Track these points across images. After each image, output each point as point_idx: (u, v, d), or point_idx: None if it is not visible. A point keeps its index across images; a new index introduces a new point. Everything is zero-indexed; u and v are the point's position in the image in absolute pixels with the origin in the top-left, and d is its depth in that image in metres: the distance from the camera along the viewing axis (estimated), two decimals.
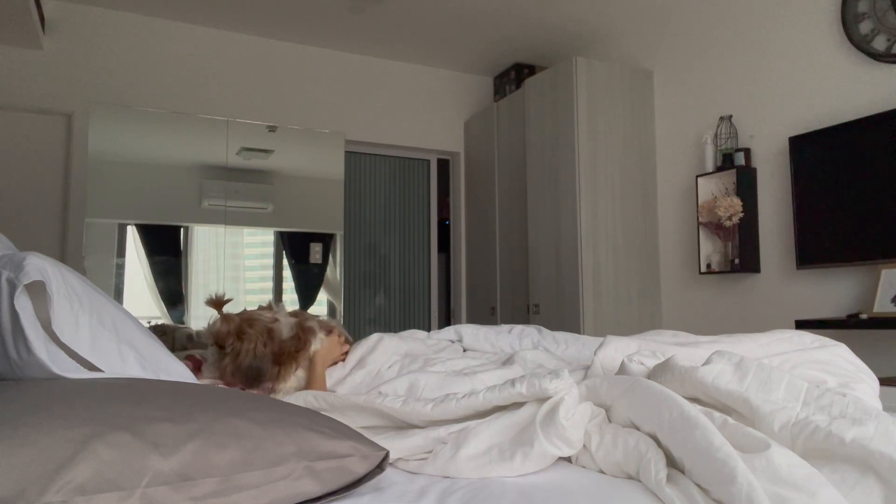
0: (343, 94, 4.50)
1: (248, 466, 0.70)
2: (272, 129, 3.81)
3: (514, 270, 4.20)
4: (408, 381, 1.31)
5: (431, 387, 1.29)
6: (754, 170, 3.20)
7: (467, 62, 4.75)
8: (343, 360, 1.56)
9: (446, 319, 5.05)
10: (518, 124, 4.17)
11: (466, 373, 1.37)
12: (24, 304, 0.91)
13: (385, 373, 1.46)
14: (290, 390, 1.42)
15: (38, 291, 0.92)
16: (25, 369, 0.92)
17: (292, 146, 3.85)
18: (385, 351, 1.53)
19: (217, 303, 1.47)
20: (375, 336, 1.58)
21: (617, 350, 1.31)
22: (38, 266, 0.94)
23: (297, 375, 1.44)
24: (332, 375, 1.50)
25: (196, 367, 1.46)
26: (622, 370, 1.16)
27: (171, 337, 1.90)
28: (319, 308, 3.90)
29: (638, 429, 0.91)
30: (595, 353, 1.34)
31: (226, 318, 1.44)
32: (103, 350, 1.01)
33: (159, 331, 1.86)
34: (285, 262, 3.82)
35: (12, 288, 0.91)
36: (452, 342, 1.73)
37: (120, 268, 3.35)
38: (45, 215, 3.71)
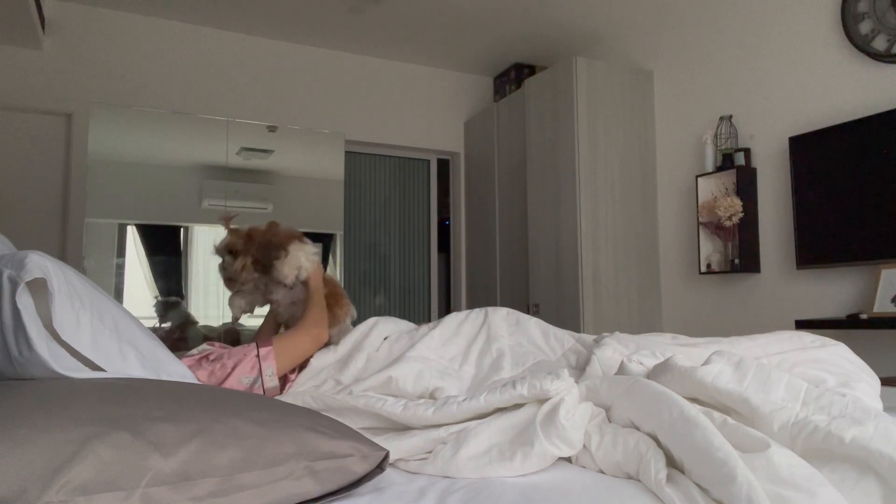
0: (343, 94, 4.50)
1: (249, 466, 0.70)
2: (272, 129, 3.81)
3: (514, 270, 4.20)
4: (385, 376, 1.32)
5: (407, 379, 1.30)
6: (754, 170, 3.20)
7: (467, 62, 4.75)
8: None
9: None
10: (518, 124, 4.17)
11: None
12: (25, 302, 0.91)
13: (374, 355, 1.48)
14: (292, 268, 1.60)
15: (39, 289, 0.92)
16: (27, 367, 0.92)
17: (292, 146, 3.85)
18: (379, 335, 1.55)
19: (227, 219, 1.68)
20: (372, 320, 1.61)
21: (615, 351, 1.31)
22: (40, 264, 0.94)
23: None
24: (325, 358, 1.51)
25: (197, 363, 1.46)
26: (622, 370, 1.16)
27: (184, 327, 1.96)
28: None
29: (638, 429, 0.91)
30: (594, 353, 1.34)
31: (234, 231, 1.64)
32: (104, 349, 1.01)
33: (172, 304, 1.93)
34: None
35: (14, 286, 0.91)
36: None
37: (120, 268, 3.35)
38: (45, 215, 3.71)
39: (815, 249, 2.81)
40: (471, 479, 0.89)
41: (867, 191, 2.63)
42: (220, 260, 1.66)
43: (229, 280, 1.65)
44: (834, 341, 1.31)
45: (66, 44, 3.74)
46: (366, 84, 4.59)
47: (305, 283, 1.64)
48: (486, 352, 1.47)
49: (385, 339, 1.55)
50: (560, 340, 1.55)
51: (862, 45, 2.74)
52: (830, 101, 2.89)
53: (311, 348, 1.50)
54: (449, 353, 1.48)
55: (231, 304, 1.69)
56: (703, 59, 3.52)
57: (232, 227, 1.65)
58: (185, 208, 3.53)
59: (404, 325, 1.65)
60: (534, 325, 1.59)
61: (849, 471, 0.78)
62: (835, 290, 2.83)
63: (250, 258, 1.58)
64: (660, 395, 0.89)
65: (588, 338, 1.56)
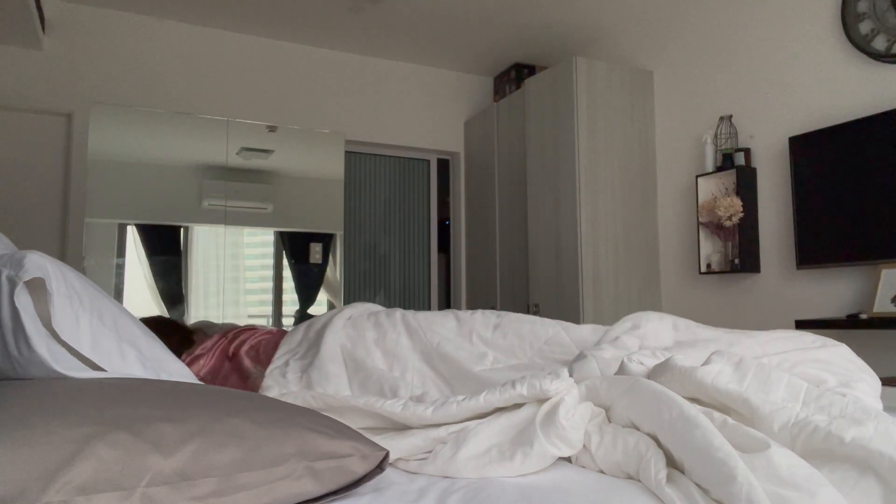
0: (343, 94, 4.50)
1: (248, 466, 0.70)
2: (272, 129, 3.81)
3: (514, 270, 4.20)
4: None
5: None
6: (754, 170, 3.20)
7: (467, 62, 4.75)
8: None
9: None
10: (518, 124, 4.17)
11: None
12: (24, 301, 0.90)
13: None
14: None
15: (38, 289, 0.92)
16: (26, 367, 0.92)
17: (292, 146, 3.85)
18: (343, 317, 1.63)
19: None
20: (337, 309, 1.69)
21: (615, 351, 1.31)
22: (38, 263, 0.94)
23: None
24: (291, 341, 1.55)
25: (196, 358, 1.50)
26: (622, 370, 1.16)
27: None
28: (319, 308, 3.90)
29: (638, 429, 0.91)
30: (592, 353, 1.34)
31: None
32: (104, 348, 1.01)
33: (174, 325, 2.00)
34: (285, 262, 3.82)
35: (12, 285, 0.91)
36: None
37: (120, 268, 3.35)
38: (45, 215, 3.71)
39: (815, 249, 2.81)
40: (471, 479, 0.89)
41: (867, 191, 2.63)
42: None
43: None
44: (834, 341, 1.31)
45: (66, 44, 3.74)
46: (366, 84, 4.59)
47: None
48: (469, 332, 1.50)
49: (349, 318, 1.57)
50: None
51: (862, 45, 2.74)
52: (830, 101, 2.89)
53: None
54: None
55: None
56: (703, 59, 3.52)
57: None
58: (185, 208, 3.53)
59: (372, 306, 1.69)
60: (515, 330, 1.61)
61: (849, 471, 0.78)
62: (835, 290, 2.83)
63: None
64: (660, 395, 0.89)
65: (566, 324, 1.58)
